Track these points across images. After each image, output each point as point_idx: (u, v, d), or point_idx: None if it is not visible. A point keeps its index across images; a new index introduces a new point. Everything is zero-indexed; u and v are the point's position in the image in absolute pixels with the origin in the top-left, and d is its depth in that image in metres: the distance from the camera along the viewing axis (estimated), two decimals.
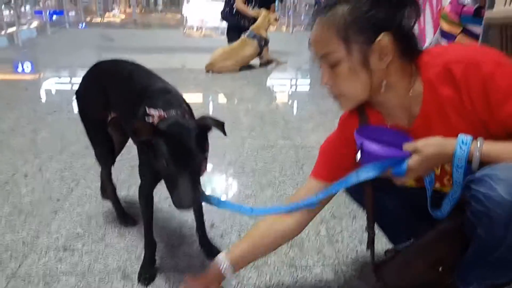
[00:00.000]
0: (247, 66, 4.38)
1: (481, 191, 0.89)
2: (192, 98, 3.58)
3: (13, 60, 4.44)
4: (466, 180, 0.93)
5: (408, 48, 0.98)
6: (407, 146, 0.98)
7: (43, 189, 1.92)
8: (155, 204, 1.74)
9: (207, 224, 1.68)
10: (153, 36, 6.58)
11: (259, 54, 4.37)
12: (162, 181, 1.16)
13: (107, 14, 9.55)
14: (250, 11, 4.70)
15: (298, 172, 2.14)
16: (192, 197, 1.06)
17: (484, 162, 0.91)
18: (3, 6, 7.94)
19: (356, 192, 1.24)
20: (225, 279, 1.17)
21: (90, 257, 1.49)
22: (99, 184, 1.81)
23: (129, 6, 10.85)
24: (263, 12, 4.43)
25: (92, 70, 1.55)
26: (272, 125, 2.79)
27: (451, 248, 1.04)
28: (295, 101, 3.60)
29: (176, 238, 1.61)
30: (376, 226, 1.24)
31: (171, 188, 1.09)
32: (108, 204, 1.79)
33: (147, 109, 1.19)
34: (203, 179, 1.26)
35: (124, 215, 1.70)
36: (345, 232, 1.66)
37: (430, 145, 0.95)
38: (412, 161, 0.96)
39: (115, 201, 1.71)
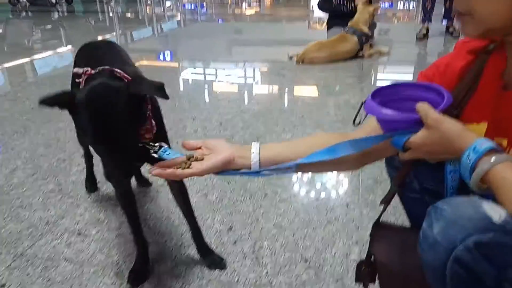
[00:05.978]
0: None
1: (423, 226, 0.67)
2: (268, 89, 3.40)
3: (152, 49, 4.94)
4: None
5: None
6: (421, 107, 0.71)
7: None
8: (155, 203, 1.60)
9: (225, 227, 1.49)
10: (280, 29, 6.66)
11: (360, 50, 3.94)
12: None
13: (237, 8, 10.03)
14: None
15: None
16: (123, 171, 1.07)
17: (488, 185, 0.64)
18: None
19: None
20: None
21: (97, 245, 1.43)
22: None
23: (259, 1, 11.10)
24: (359, 4, 3.98)
25: (79, 50, 1.50)
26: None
27: None
28: None
29: (177, 239, 1.45)
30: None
31: (103, 161, 1.07)
32: (138, 193, 1.72)
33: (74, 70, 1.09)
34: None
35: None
36: None
37: (444, 127, 0.69)
38: (415, 136, 0.72)
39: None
